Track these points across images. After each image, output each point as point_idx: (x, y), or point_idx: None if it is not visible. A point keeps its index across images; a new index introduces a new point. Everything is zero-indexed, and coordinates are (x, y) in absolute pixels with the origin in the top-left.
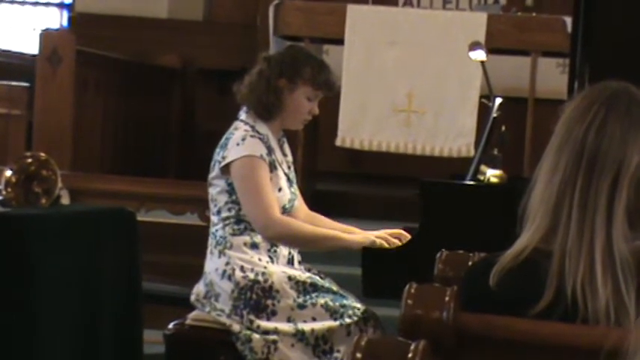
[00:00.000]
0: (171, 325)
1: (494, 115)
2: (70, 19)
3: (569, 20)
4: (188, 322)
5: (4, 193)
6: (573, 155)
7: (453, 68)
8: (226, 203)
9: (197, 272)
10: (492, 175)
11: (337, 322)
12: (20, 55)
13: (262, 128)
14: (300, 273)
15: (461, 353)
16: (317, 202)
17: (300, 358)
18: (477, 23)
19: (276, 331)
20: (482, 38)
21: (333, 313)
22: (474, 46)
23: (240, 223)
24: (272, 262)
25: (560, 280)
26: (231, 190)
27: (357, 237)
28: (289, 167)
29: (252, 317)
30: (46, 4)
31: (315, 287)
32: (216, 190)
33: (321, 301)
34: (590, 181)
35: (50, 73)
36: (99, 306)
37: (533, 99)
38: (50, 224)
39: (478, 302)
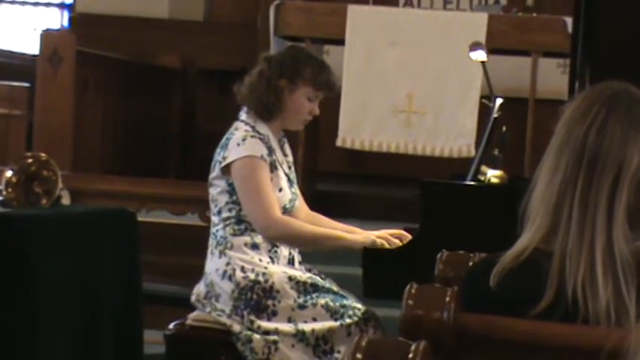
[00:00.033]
0: (171, 326)
1: (495, 115)
2: (70, 20)
3: (569, 20)
4: (188, 322)
5: (4, 193)
6: (574, 155)
7: (454, 68)
8: (227, 203)
9: (197, 272)
10: (493, 175)
11: (338, 323)
12: (21, 56)
13: (263, 128)
14: (301, 273)
15: (461, 354)
16: (317, 202)
17: (300, 358)
18: (477, 23)
19: (276, 332)
20: (482, 38)
21: (333, 314)
22: (475, 46)
23: (241, 224)
24: (272, 262)
25: (560, 280)
26: (231, 191)
27: (358, 237)
28: (290, 167)
29: (252, 317)
30: (47, 5)
31: (315, 287)
32: (216, 190)
33: (322, 301)
34: (591, 181)
35: (51, 73)
36: (99, 306)
37: (533, 99)
38: (51, 224)
39: (479, 303)
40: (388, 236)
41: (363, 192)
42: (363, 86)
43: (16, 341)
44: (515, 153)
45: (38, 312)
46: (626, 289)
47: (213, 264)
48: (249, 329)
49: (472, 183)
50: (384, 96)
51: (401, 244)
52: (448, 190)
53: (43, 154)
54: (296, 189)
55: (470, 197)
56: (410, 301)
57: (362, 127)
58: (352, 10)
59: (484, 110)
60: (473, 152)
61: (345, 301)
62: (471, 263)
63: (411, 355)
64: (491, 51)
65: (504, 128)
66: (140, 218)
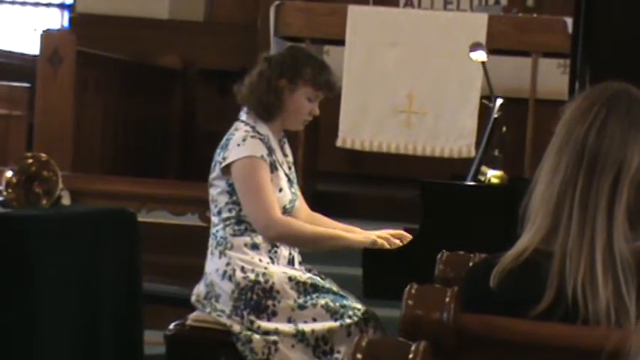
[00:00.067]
0: (171, 326)
1: (495, 115)
2: (70, 20)
3: (569, 21)
4: (188, 322)
5: (4, 193)
6: (574, 156)
7: (454, 69)
8: (227, 204)
9: (197, 273)
10: (493, 175)
11: (337, 323)
12: (21, 56)
13: (263, 129)
14: (301, 274)
15: (461, 354)
16: (317, 202)
17: (300, 358)
18: (477, 24)
19: (276, 332)
20: (483, 39)
21: (333, 314)
22: (475, 46)
23: (241, 224)
24: (272, 262)
25: (560, 280)
26: (231, 191)
27: (358, 236)
28: (290, 168)
29: (252, 318)
30: (47, 5)
31: (315, 288)
32: (216, 190)
33: (322, 301)
34: (591, 181)
35: (51, 73)
36: (99, 306)
37: (533, 100)
38: (51, 225)
39: (479, 303)
40: (389, 236)
41: (363, 192)
42: (363, 86)
43: (16, 341)
44: (515, 153)
45: (38, 312)
46: (626, 289)
47: (213, 264)
48: (249, 329)
49: (472, 183)
50: (384, 96)
51: (401, 244)
52: (448, 191)
53: (44, 155)
54: (296, 189)
55: (470, 198)
56: (410, 302)
57: (362, 128)
58: (352, 10)
59: (484, 111)
60: (473, 153)
61: (345, 302)
62: (471, 264)
63: (411, 356)
64: (491, 51)
65: (504, 129)
66: (140, 218)
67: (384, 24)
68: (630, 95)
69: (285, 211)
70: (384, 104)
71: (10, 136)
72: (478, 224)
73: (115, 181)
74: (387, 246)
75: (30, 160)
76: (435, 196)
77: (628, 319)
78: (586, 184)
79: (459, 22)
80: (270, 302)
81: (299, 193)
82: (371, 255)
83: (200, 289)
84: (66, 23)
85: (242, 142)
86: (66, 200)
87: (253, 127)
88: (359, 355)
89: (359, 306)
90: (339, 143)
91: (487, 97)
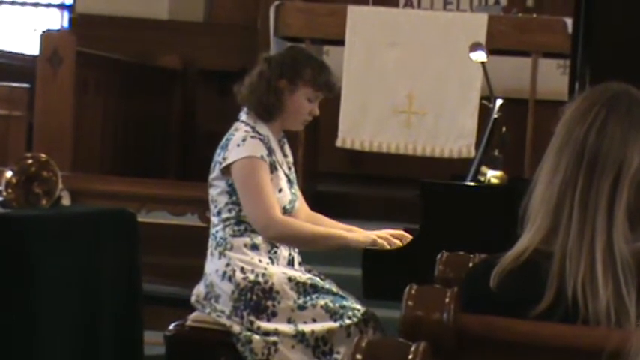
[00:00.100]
0: (171, 326)
1: (495, 116)
2: (70, 20)
3: (569, 21)
4: (188, 323)
5: (4, 194)
6: (574, 156)
7: (454, 69)
8: (226, 204)
9: (197, 273)
10: (493, 176)
11: (337, 324)
12: (21, 56)
13: (263, 129)
14: (301, 274)
15: (461, 354)
16: (317, 203)
17: (300, 359)
18: (477, 24)
19: (276, 332)
20: (482, 39)
21: (333, 314)
22: (475, 47)
23: (241, 225)
24: (272, 263)
25: (560, 281)
26: (231, 192)
27: (358, 236)
28: (290, 168)
29: (252, 318)
30: (47, 5)
31: (315, 288)
32: (216, 191)
33: (321, 302)
34: (591, 182)
35: (51, 74)
36: (99, 307)
37: (533, 100)
38: (51, 225)
39: (479, 303)
40: (388, 236)
41: (363, 193)
42: (363, 87)
43: (16, 341)
44: (515, 154)
45: (38, 312)
46: (626, 289)
47: (212, 265)
48: (249, 330)
49: (472, 184)
50: (384, 96)
51: (401, 244)
52: (448, 191)
53: (43, 155)
54: (296, 190)
55: (470, 198)
56: (410, 302)
57: (362, 128)
58: (352, 10)
59: (484, 111)
60: (473, 153)
61: (344, 302)
62: (471, 264)
63: (410, 356)
64: (491, 52)
65: (504, 129)
66: (140, 219)
67: (383, 24)
68: (630, 96)
69: (285, 211)
70: (384, 104)
71: (10, 136)
72: (478, 225)
73: (114, 181)
74: (387, 246)
75: (30, 161)
76: (435, 197)
77: (628, 319)
78: (586, 185)
79: (459, 22)
80: (269, 303)
81: (299, 193)
82: (371, 255)
83: (200, 289)
84: (66, 24)
85: (242, 142)
86: (66, 201)
87: (253, 128)
88: (359, 356)
89: (359, 306)
90: (338, 143)
91: (487, 98)
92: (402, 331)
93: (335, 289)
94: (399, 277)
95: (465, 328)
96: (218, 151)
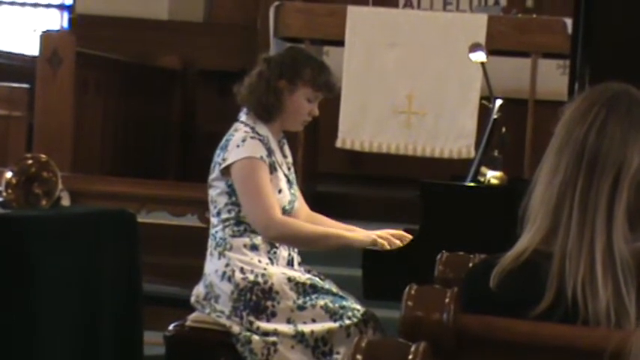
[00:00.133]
0: (171, 327)
1: (495, 116)
2: (70, 21)
3: (569, 22)
4: (188, 323)
5: (4, 194)
6: (574, 156)
7: (454, 70)
8: (226, 205)
9: (197, 274)
10: (493, 176)
11: (337, 324)
12: (21, 57)
13: (262, 129)
14: (300, 274)
15: (461, 355)
16: (317, 203)
17: (299, 359)
18: (477, 25)
19: (275, 333)
20: (482, 40)
21: (332, 315)
22: (475, 47)
23: (240, 225)
24: (272, 263)
25: (560, 281)
26: (231, 192)
27: (358, 235)
28: (289, 168)
29: (251, 319)
30: (47, 6)
31: (314, 289)
32: (216, 191)
33: (321, 302)
34: (591, 182)
35: (50, 74)
36: (99, 307)
37: (533, 100)
38: (51, 226)
39: (478, 304)
40: (389, 236)
41: (363, 193)
42: (363, 87)
43: (16, 341)
44: (514, 154)
45: (38, 312)
46: (626, 290)
47: (212, 265)
48: (249, 330)
49: (472, 184)
50: (383, 97)
51: (401, 244)
52: (448, 191)
53: (43, 156)
54: (296, 190)
55: (470, 198)
56: (410, 303)
57: (362, 128)
58: (352, 11)
59: (484, 111)
60: (473, 153)
61: (344, 302)
62: (470, 264)
63: (410, 357)
64: (491, 52)
65: (504, 129)
66: (140, 219)
67: (383, 25)
68: (630, 96)
69: (285, 212)
70: (384, 105)
71: (10, 136)
72: (478, 225)
73: (114, 181)
74: (388, 247)
75: (30, 161)
76: (435, 197)
77: (628, 319)
78: (586, 185)
79: (459, 22)
80: (269, 303)
81: (298, 194)
82: (371, 256)
83: (199, 289)
84: (65, 24)
85: (241, 143)
86: (66, 201)
87: (253, 128)
88: (359, 356)
89: (358, 307)
90: (338, 144)
91: (487, 98)
92: (402, 332)
93: (335, 289)
94: (398, 278)
95: (464, 328)
96: (218, 151)
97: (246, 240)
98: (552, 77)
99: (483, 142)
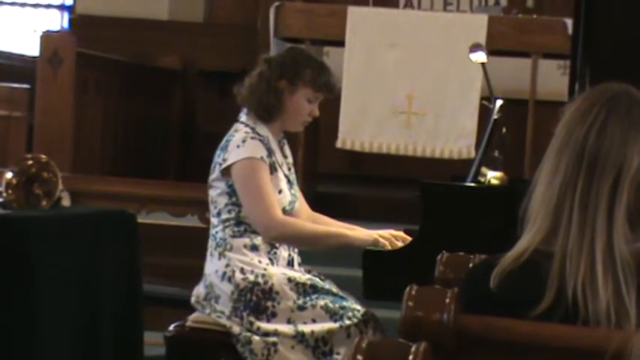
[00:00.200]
0: (171, 327)
1: (495, 116)
2: (70, 21)
3: (569, 22)
4: (188, 323)
5: (4, 195)
6: (574, 157)
7: (454, 70)
8: (226, 205)
9: (197, 274)
10: (493, 176)
11: (337, 324)
12: (21, 57)
13: (263, 130)
14: (300, 275)
15: (461, 355)
16: (318, 204)
17: (299, 359)
18: (477, 25)
19: (276, 333)
20: (482, 40)
21: (333, 315)
22: (475, 47)
23: (240, 225)
24: (272, 264)
25: (560, 281)
26: (231, 192)
27: (360, 234)
28: (289, 169)
29: (252, 319)
30: (47, 6)
31: (315, 289)
32: (216, 192)
33: (321, 302)
34: (591, 182)
35: (51, 74)
36: (99, 307)
37: (533, 101)
38: (51, 226)
39: (479, 304)
40: (391, 237)
41: (363, 193)
42: (363, 88)
43: (16, 341)
44: (515, 154)
45: (38, 313)
46: (626, 290)
47: (212, 265)
48: (249, 331)
49: (472, 184)
50: (384, 97)
51: (402, 245)
52: (448, 192)
53: (43, 156)
54: (296, 190)
55: (470, 199)
56: (410, 303)
57: (362, 129)
58: (352, 11)
59: (484, 112)
60: (473, 154)
61: (344, 303)
62: (471, 265)
63: (411, 357)
64: (491, 52)
65: (504, 130)
66: (140, 220)
67: (383, 25)
68: (630, 96)
69: (285, 212)
70: (384, 105)
71: (10, 137)
72: (478, 225)
73: (114, 182)
74: (389, 247)
75: (30, 162)
76: (435, 197)
77: (628, 320)
78: (586, 186)
79: (459, 23)
80: (269, 303)
81: (299, 194)
82: (371, 256)
83: (200, 290)
84: (66, 24)
85: (242, 143)
86: (66, 201)
87: (253, 129)
88: (359, 357)
89: (358, 307)
90: (338, 144)
91: (487, 98)
92: (402, 332)
93: (335, 289)
94: (399, 278)
95: (465, 328)
96: (218, 152)
97: (247, 240)
98: (553, 77)
99: (484, 142)
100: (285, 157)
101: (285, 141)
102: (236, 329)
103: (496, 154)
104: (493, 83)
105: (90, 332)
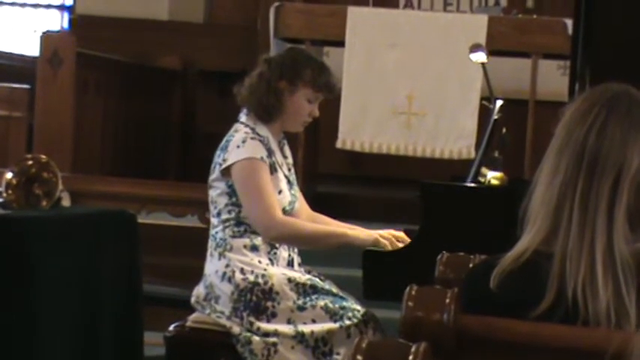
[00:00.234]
0: (171, 327)
1: (495, 117)
2: (70, 21)
3: (569, 22)
4: (188, 324)
5: (4, 195)
6: (574, 157)
7: (454, 70)
8: (226, 205)
9: (197, 274)
10: (493, 177)
11: (337, 324)
12: (21, 57)
13: (263, 130)
14: (300, 275)
15: (461, 355)
16: (318, 204)
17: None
18: (477, 25)
19: (276, 333)
20: (482, 40)
21: (332, 315)
22: (475, 48)
23: (240, 226)
24: (272, 264)
25: (560, 282)
26: (231, 193)
27: (360, 234)
28: (289, 169)
29: (252, 319)
30: (47, 7)
31: (315, 289)
32: (216, 192)
33: (321, 303)
34: (591, 183)
35: (51, 75)
36: (99, 308)
37: (533, 101)
38: (51, 226)
39: (479, 304)
40: (392, 238)
41: (363, 194)
42: (363, 88)
43: (16, 341)
44: (515, 155)
45: (38, 313)
46: (627, 290)
47: (212, 266)
48: (249, 331)
49: (472, 185)
50: (384, 97)
51: (402, 245)
52: (448, 192)
53: (44, 156)
54: (296, 190)
55: (470, 199)
56: (410, 303)
57: (362, 129)
58: (352, 11)
59: (484, 112)
60: (473, 154)
61: (344, 303)
62: (471, 265)
63: (411, 357)
64: (491, 53)
65: (504, 130)
66: (140, 220)
67: (383, 25)
68: (630, 96)
69: (285, 212)
70: (384, 105)
71: (10, 137)
72: (478, 225)
73: (115, 182)
74: (390, 247)
75: (30, 162)
76: (435, 198)
77: (628, 320)
78: (586, 186)
79: (459, 23)
80: (269, 304)
81: (299, 194)
82: (371, 256)
83: (200, 290)
84: (66, 25)
85: (242, 143)
86: (66, 201)
87: (253, 129)
88: (359, 357)
89: (358, 307)
90: (338, 145)
91: (487, 99)
92: (402, 332)
93: (335, 289)
94: (399, 278)
95: (465, 329)
96: (218, 152)
97: (247, 241)
98: (553, 78)
99: (484, 142)
100: (285, 157)
101: (285, 141)
102: (236, 329)
103: (496, 154)
104: (493, 83)
105: (90, 332)
